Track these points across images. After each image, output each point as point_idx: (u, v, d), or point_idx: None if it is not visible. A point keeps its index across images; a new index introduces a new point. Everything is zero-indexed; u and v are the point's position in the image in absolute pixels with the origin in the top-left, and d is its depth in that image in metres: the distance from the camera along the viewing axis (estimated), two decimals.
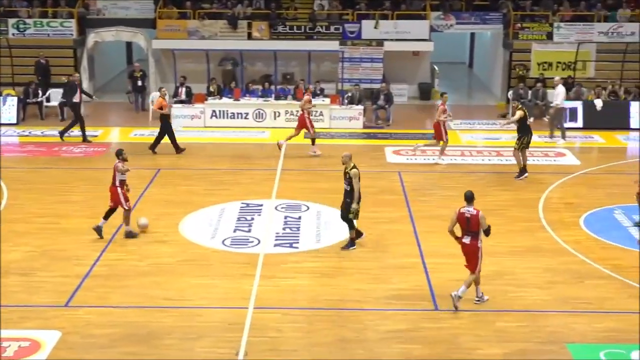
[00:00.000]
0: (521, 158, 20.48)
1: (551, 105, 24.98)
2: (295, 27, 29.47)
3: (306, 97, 23.03)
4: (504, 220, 17.51)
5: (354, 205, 15.62)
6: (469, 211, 13.26)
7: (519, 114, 20.46)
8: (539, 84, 27.76)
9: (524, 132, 20.42)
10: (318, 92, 26.95)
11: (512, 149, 20.83)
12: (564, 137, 24.27)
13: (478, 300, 13.62)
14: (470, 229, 13.29)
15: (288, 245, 16.15)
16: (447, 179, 20.66)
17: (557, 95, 24.44)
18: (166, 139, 22.70)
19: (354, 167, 15.67)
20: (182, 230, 16.94)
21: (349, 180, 15.70)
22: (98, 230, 16.27)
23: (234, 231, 16.82)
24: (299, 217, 17.66)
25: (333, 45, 29.15)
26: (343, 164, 15.84)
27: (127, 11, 30.66)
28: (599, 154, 23.44)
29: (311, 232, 16.79)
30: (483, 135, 25.34)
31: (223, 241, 16.28)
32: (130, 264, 15.13)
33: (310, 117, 22.95)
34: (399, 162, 22.14)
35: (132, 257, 15.42)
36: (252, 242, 16.26)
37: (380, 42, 29.17)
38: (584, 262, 15.42)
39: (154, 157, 22.22)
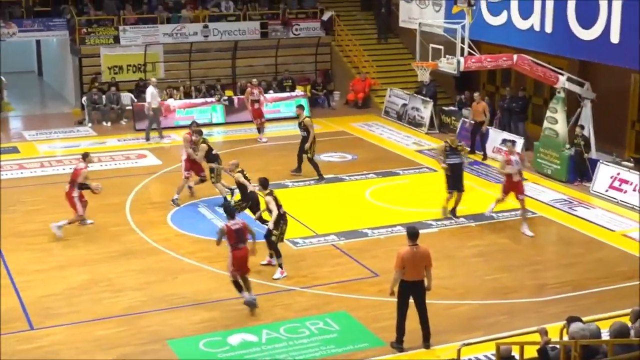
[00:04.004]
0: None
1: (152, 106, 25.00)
2: None
3: None
4: (92, 228, 17.34)
5: None
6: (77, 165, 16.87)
7: (202, 147, 18.71)
8: (113, 88, 27.83)
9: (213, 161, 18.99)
10: None
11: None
12: (148, 138, 24.92)
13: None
14: (71, 177, 16.66)
15: None
16: (29, 193, 19.92)
17: (151, 96, 24.86)
18: None
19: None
20: None
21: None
22: None
23: None
24: None
25: None
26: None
27: None
28: (177, 152, 24.04)
29: None
30: (62, 144, 24.79)
31: None
32: None
33: None
34: None
35: None
36: None
37: None
38: (176, 258, 15.82)
39: None
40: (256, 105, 24.95)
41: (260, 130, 25.09)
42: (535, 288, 14.61)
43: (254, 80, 25.70)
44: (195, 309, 13.65)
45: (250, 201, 16.82)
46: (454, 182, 17.91)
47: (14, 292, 14.22)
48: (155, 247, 16.37)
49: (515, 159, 17.26)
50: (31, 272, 15.03)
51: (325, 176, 20.90)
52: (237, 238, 13.31)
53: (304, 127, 20.70)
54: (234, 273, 13.38)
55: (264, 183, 15.25)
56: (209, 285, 14.56)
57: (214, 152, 19.03)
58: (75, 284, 14.56)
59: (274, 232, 14.87)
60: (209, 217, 18.15)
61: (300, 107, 21.46)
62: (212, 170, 18.84)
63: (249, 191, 16.82)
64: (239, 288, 13.46)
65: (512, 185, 17.27)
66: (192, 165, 19.09)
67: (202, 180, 19.16)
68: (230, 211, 13.73)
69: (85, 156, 17.61)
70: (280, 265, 15.00)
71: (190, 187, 19.31)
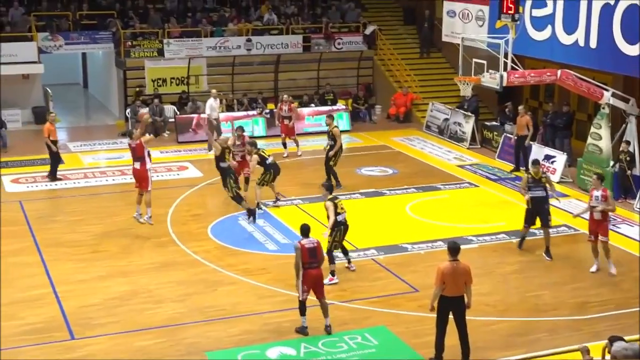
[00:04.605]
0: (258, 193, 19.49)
1: (212, 118, 25.49)
2: None
3: None
4: (134, 239, 17.49)
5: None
6: (132, 142, 17.61)
7: (254, 158, 19.18)
8: (156, 100, 28.08)
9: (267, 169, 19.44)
10: None
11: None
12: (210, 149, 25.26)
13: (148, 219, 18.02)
14: (136, 154, 17.72)
15: None
16: (73, 204, 20.16)
17: (210, 108, 25.36)
18: None
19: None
20: None
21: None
22: None
23: None
24: None
25: None
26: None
27: None
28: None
29: None
30: (105, 156, 25.05)
31: None
32: None
33: None
34: (19, 190, 21.16)
35: None
36: None
37: None
38: (215, 270, 15.87)
39: None
40: (285, 122, 24.92)
41: (284, 146, 25.06)
42: (576, 306, 14.41)
43: (285, 97, 25.72)
44: (234, 321, 13.67)
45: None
46: (533, 217, 16.59)
47: (55, 301, 14.37)
48: (195, 259, 16.45)
49: (596, 195, 15.48)
50: (73, 282, 15.19)
51: (365, 190, 20.89)
52: (310, 257, 12.98)
53: (332, 136, 20.93)
54: (305, 294, 13.02)
55: (329, 188, 15.62)
56: (248, 298, 14.59)
57: (268, 161, 19.33)
58: (115, 294, 14.67)
59: (328, 238, 15.13)
60: (250, 229, 18.20)
61: (330, 117, 21.66)
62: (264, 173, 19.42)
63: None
64: (303, 311, 13.13)
65: (594, 225, 15.59)
66: (240, 165, 19.94)
67: (247, 180, 20.13)
68: (305, 229, 13.32)
69: (131, 134, 18.27)
70: (331, 272, 15.20)
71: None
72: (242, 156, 20.18)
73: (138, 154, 17.97)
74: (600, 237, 15.57)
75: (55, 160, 22.10)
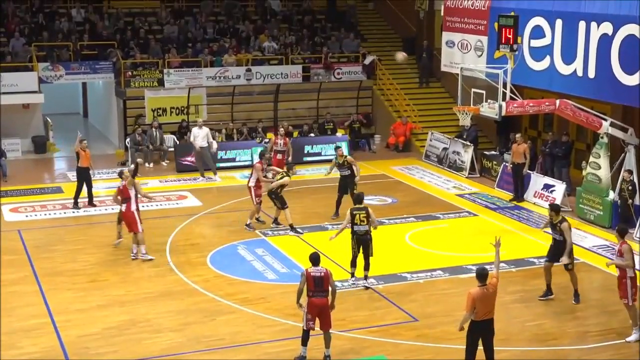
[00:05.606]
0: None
1: (197, 145, 25.78)
2: None
3: None
4: (133, 268, 17.45)
5: None
6: (120, 183, 17.51)
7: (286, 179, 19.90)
8: (154, 123, 28.09)
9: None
10: None
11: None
12: (215, 173, 25.84)
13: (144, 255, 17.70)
14: (123, 195, 17.57)
15: None
16: (72, 233, 20.13)
17: (193, 137, 25.79)
18: None
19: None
20: None
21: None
22: None
23: None
24: None
25: None
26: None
27: None
28: (218, 193, 24.25)
29: None
30: (104, 185, 25.03)
31: None
32: None
33: None
34: (18, 219, 21.14)
35: None
36: None
37: None
38: (214, 299, 15.82)
39: None
40: (279, 156, 24.77)
41: None
42: (577, 335, 14.36)
43: (281, 130, 25.70)
44: (233, 351, 13.60)
45: None
46: (555, 255, 15.77)
47: (53, 331, 14.31)
48: (194, 288, 16.40)
49: (617, 248, 14.48)
50: (71, 312, 15.13)
51: None
52: (315, 286, 12.89)
53: (347, 165, 21.00)
54: (309, 323, 12.90)
55: (356, 199, 16.70)
56: (247, 328, 14.53)
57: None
58: (114, 323, 14.61)
59: (352, 244, 16.33)
60: (249, 258, 18.17)
61: (339, 148, 21.70)
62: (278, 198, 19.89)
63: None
64: (305, 340, 12.99)
65: (618, 280, 14.45)
66: (258, 190, 20.12)
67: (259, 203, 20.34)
68: (315, 258, 13.21)
69: (121, 174, 18.28)
70: (352, 274, 16.59)
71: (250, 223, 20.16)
72: (257, 181, 20.12)
73: (124, 195, 17.81)
74: (621, 299, 14.32)
75: (86, 187, 22.28)
